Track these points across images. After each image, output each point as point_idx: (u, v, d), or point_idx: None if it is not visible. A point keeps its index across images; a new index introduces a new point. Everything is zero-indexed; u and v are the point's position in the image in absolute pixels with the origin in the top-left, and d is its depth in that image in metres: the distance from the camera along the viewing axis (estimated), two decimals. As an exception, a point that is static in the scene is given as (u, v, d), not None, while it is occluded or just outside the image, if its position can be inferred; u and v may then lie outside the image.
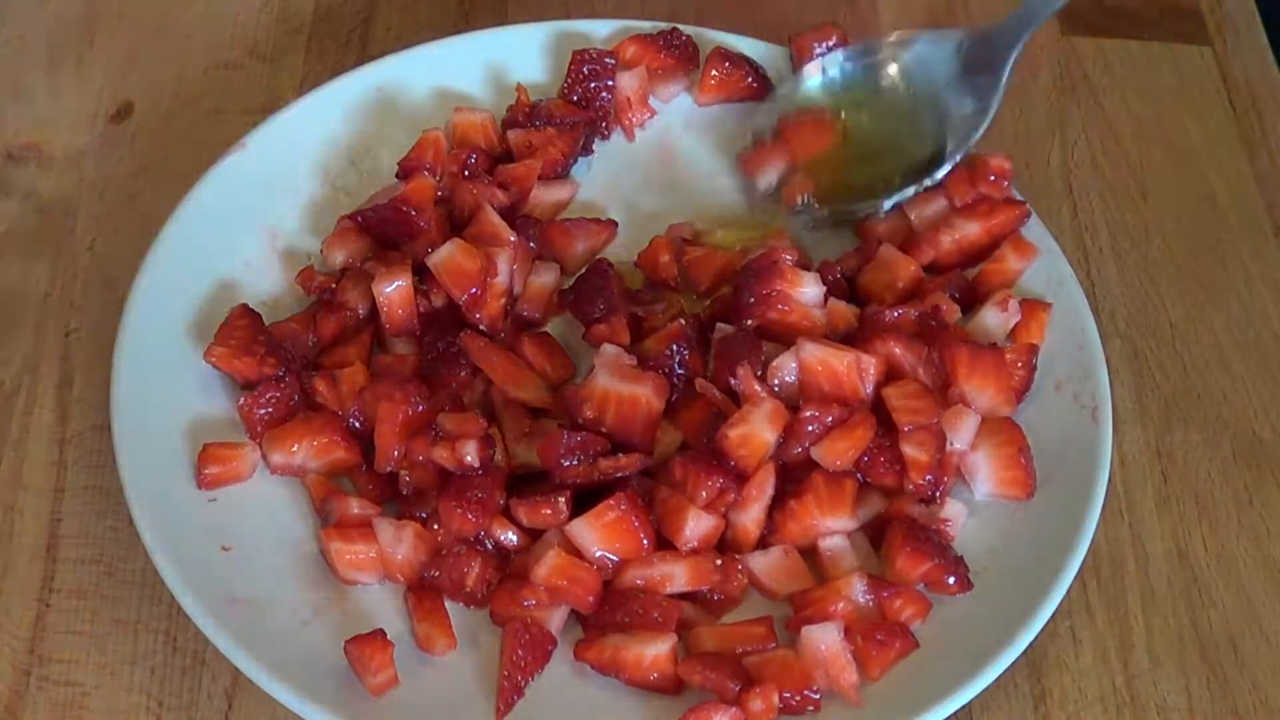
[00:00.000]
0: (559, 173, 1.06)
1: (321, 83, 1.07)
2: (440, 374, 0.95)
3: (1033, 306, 0.98)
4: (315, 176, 1.05)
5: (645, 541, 0.88)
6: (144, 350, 0.93)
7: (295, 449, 0.92)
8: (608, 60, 1.07)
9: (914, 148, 1.04)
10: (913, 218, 1.03)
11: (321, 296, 0.99)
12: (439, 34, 1.11)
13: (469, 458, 0.88)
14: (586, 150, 1.09)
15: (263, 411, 0.92)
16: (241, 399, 0.92)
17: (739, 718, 0.82)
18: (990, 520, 0.92)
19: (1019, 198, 1.03)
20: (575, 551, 0.87)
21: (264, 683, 0.82)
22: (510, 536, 0.89)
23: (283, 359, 0.94)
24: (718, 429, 0.89)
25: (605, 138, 1.10)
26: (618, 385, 0.90)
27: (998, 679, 0.84)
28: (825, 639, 0.84)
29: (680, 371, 0.94)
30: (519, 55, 1.10)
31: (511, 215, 1.02)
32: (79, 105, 1.14)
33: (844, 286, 1.01)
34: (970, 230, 1.01)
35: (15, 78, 1.16)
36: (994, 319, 0.97)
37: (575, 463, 0.89)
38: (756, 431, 0.88)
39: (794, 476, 0.91)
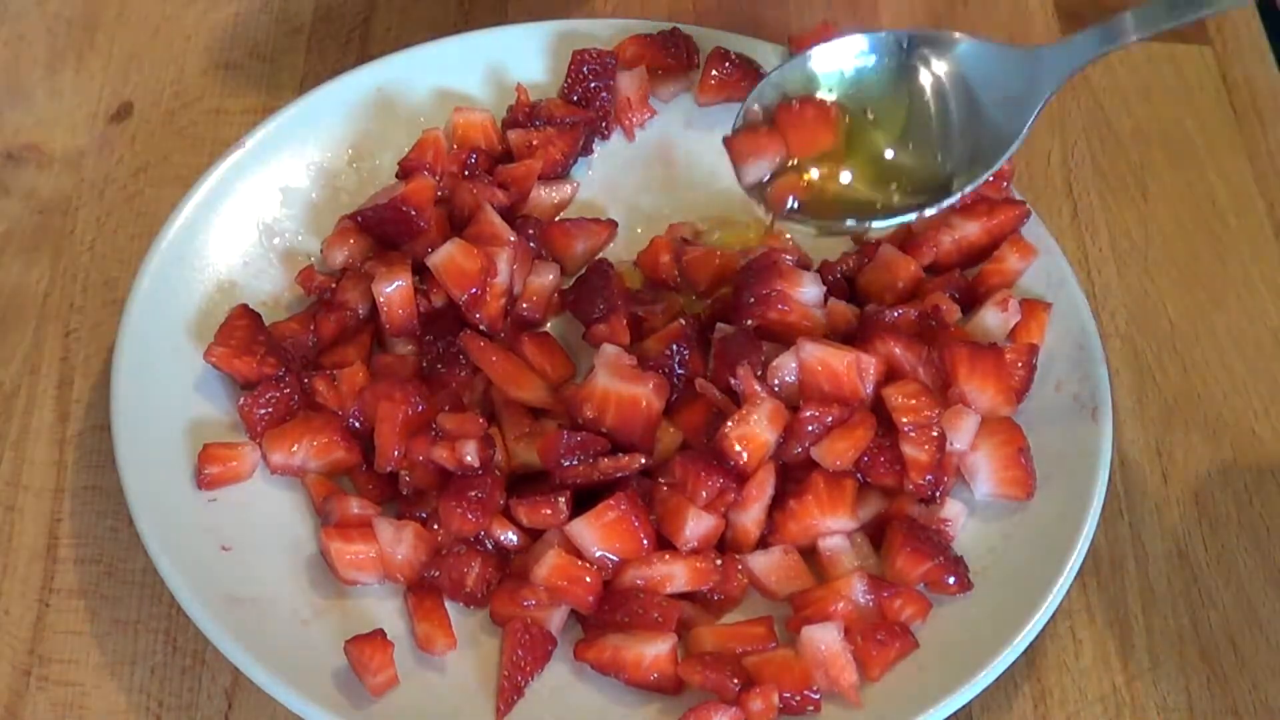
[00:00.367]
0: (559, 173, 1.06)
1: (321, 83, 1.07)
2: (440, 374, 0.95)
3: (1033, 306, 0.98)
4: (315, 176, 1.05)
5: (645, 541, 0.88)
6: (144, 350, 0.93)
7: (295, 449, 0.92)
8: (608, 60, 1.08)
9: (921, 166, 0.97)
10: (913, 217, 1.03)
11: (321, 296, 0.99)
12: (439, 34, 1.11)
13: (469, 458, 0.88)
14: (586, 150, 1.09)
15: (263, 411, 0.92)
16: (241, 399, 0.92)
17: (739, 718, 0.82)
18: (990, 520, 0.92)
19: (1019, 198, 1.03)
20: (575, 551, 0.87)
21: (264, 683, 0.82)
22: (510, 536, 0.89)
23: (283, 359, 0.94)
24: (718, 429, 0.89)
25: (605, 138, 1.10)
26: (618, 385, 0.90)
27: (998, 679, 0.84)
28: (825, 639, 0.84)
29: (680, 371, 0.94)
30: (519, 55, 1.10)
31: (511, 215, 1.02)
32: (79, 105, 1.14)
33: (844, 286, 1.01)
34: (970, 230, 1.01)
35: (15, 78, 1.16)
36: (994, 319, 0.97)
37: (575, 463, 0.89)
38: (756, 431, 0.88)
39: (794, 476, 0.91)
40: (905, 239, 1.02)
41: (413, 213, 0.98)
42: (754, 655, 0.86)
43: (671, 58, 1.10)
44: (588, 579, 0.87)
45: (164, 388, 0.93)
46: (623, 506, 0.87)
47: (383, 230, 0.99)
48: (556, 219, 1.05)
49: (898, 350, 0.93)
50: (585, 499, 0.89)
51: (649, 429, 0.91)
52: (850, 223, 0.97)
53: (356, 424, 0.93)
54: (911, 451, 0.89)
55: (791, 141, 0.99)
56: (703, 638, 0.87)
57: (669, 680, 0.85)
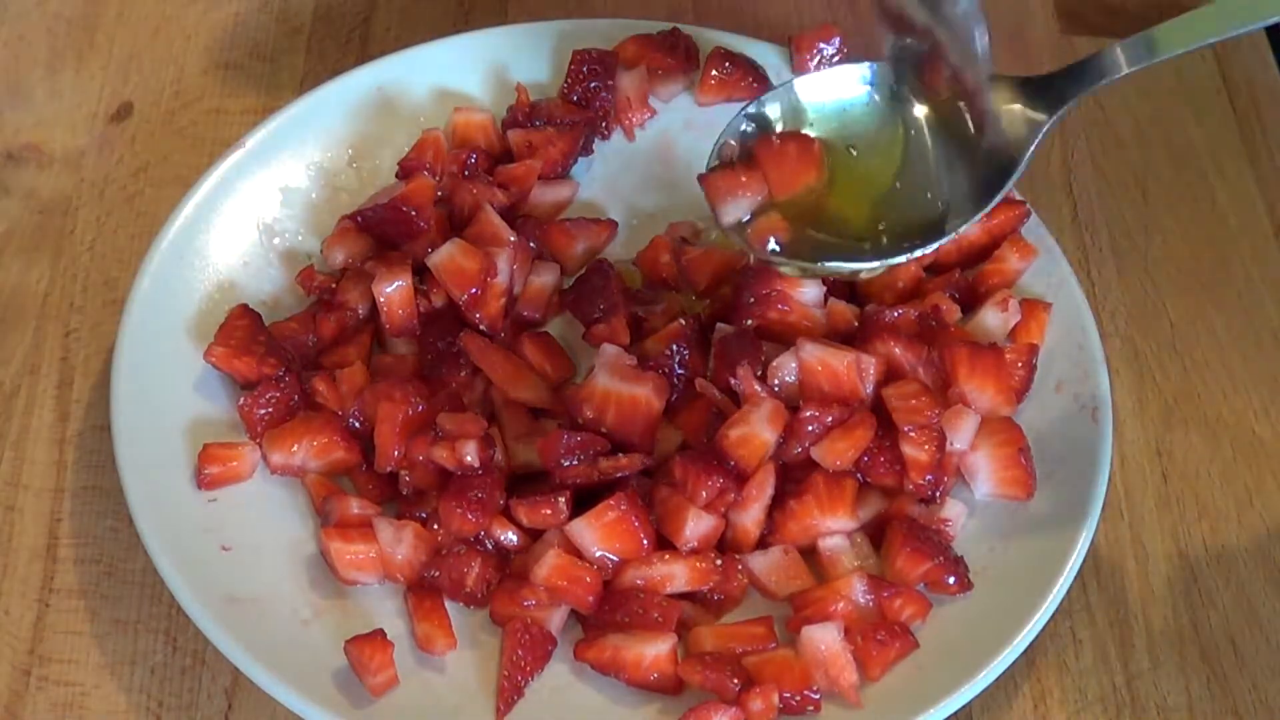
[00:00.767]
0: (559, 173, 1.06)
1: (321, 83, 1.07)
2: (440, 374, 0.95)
3: (1033, 306, 0.98)
4: (315, 176, 1.05)
5: (645, 541, 0.88)
6: (144, 350, 0.93)
7: (295, 449, 0.92)
8: (608, 60, 1.07)
9: (912, 204, 0.93)
10: (913, 217, 1.02)
11: (321, 296, 0.99)
12: (439, 34, 1.11)
13: (469, 458, 0.88)
14: (586, 150, 1.09)
15: (263, 411, 0.92)
16: (241, 399, 0.92)
17: (739, 718, 0.82)
18: (990, 520, 0.92)
19: (1019, 198, 1.03)
20: (575, 551, 0.87)
21: (264, 683, 0.82)
22: (510, 536, 0.89)
23: (283, 359, 0.94)
24: (718, 429, 0.89)
25: (605, 138, 1.10)
26: (618, 385, 0.90)
27: (998, 679, 0.84)
28: (825, 639, 0.84)
29: (680, 371, 0.94)
30: (519, 55, 1.10)
31: (511, 215, 1.02)
32: (79, 105, 1.14)
33: (844, 287, 1.01)
34: (970, 230, 1.01)
35: (15, 78, 1.16)
36: (994, 319, 0.97)
37: (575, 463, 0.89)
38: (756, 431, 0.88)
39: (794, 476, 0.91)
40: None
41: (413, 213, 0.98)
42: (754, 655, 0.86)
43: (671, 58, 1.10)
44: (588, 579, 0.87)
45: (164, 388, 0.93)
46: (623, 506, 0.87)
47: (383, 230, 0.99)
48: (556, 219, 1.05)
49: (898, 350, 0.93)
50: (585, 499, 0.89)
51: (649, 429, 0.91)
52: (836, 264, 0.92)
53: (356, 424, 0.93)
54: (911, 451, 0.89)
55: (773, 179, 0.93)
56: (703, 638, 0.87)
57: (669, 680, 0.85)
